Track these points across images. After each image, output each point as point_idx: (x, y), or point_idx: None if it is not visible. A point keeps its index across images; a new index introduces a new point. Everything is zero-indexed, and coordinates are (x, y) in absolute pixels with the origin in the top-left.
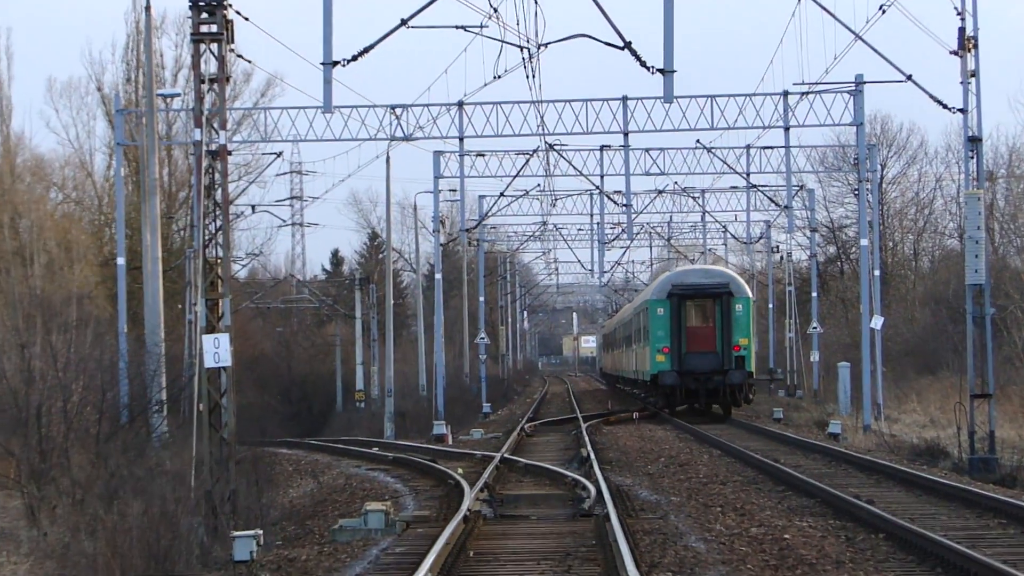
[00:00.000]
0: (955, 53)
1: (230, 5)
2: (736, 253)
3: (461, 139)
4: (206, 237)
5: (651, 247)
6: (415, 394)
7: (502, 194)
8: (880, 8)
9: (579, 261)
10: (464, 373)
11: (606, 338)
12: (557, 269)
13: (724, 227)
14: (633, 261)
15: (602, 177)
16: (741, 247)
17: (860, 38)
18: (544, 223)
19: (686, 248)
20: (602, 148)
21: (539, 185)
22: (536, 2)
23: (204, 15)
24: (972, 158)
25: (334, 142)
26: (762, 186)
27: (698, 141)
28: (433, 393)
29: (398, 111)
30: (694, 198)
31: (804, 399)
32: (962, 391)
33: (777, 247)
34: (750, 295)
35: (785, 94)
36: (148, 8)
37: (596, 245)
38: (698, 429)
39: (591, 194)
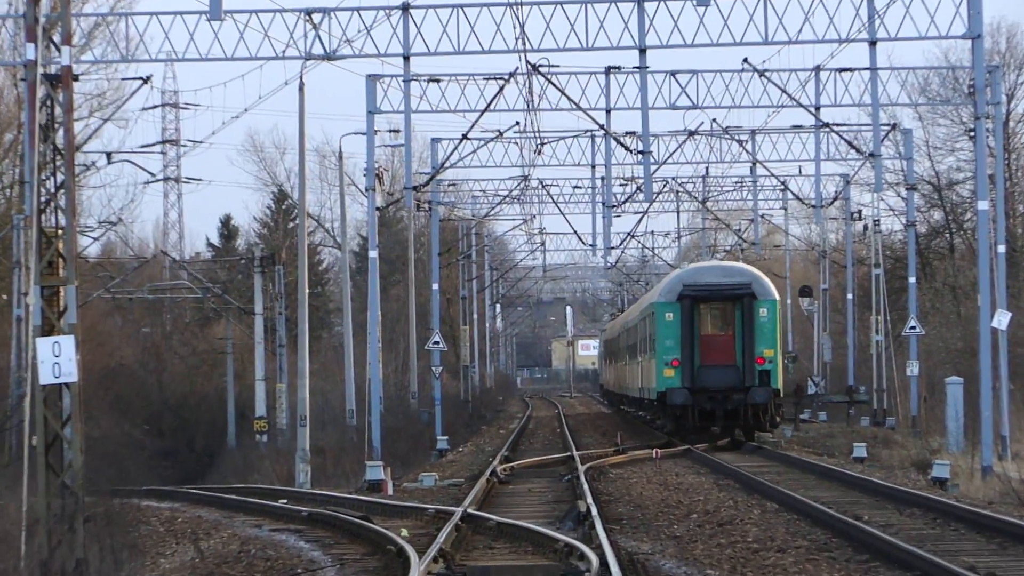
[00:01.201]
0: None
1: None
2: (800, 221)
3: (407, 58)
4: (42, 198)
5: (678, 212)
6: (340, 423)
7: (465, 136)
8: None
9: (575, 232)
10: (411, 393)
11: (607, 346)
12: (544, 244)
13: (783, 184)
14: (653, 232)
15: (608, 112)
16: (807, 212)
17: None
18: (526, 178)
19: (728, 214)
20: (609, 71)
21: (518, 124)
22: None
23: None
24: None
25: (225, 62)
26: (838, 125)
27: (746, 60)
28: (366, 422)
29: (316, 17)
30: (740, 142)
31: (898, 429)
32: None
33: (859, 213)
34: (776, 297)
35: None
36: None
37: (600, 210)
38: (745, 472)
39: (592, 136)
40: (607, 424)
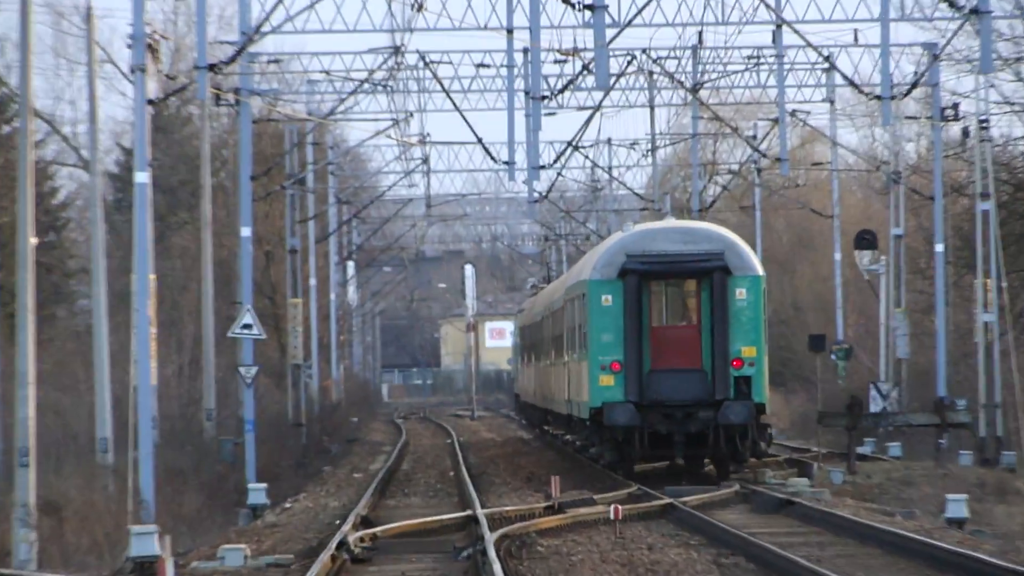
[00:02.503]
0: None
1: None
2: (856, 123)
3: None
4: None
5: (652, 108)
6: (88, 461)
7: None
8: None
9: (480, 143)
10: (205, 412)
11: (526, 335)
12: (428, 162)
13: (827, 60)
14: (610, 141)
15: None
16: (869, 108)
17: None
18: (398, 52)
19: (736, 110)
20: None
21: None
22: None
23: None
24: None
25: None
26: None
27: None
28: (130, 459)
29: None
30: None
31: (1021, 471)
32: None
33: (955, 108)
34: (760, 271)
35: None
36: None
37: (521, 104)
38: (764, 544)
39: None
40: (531, 459)
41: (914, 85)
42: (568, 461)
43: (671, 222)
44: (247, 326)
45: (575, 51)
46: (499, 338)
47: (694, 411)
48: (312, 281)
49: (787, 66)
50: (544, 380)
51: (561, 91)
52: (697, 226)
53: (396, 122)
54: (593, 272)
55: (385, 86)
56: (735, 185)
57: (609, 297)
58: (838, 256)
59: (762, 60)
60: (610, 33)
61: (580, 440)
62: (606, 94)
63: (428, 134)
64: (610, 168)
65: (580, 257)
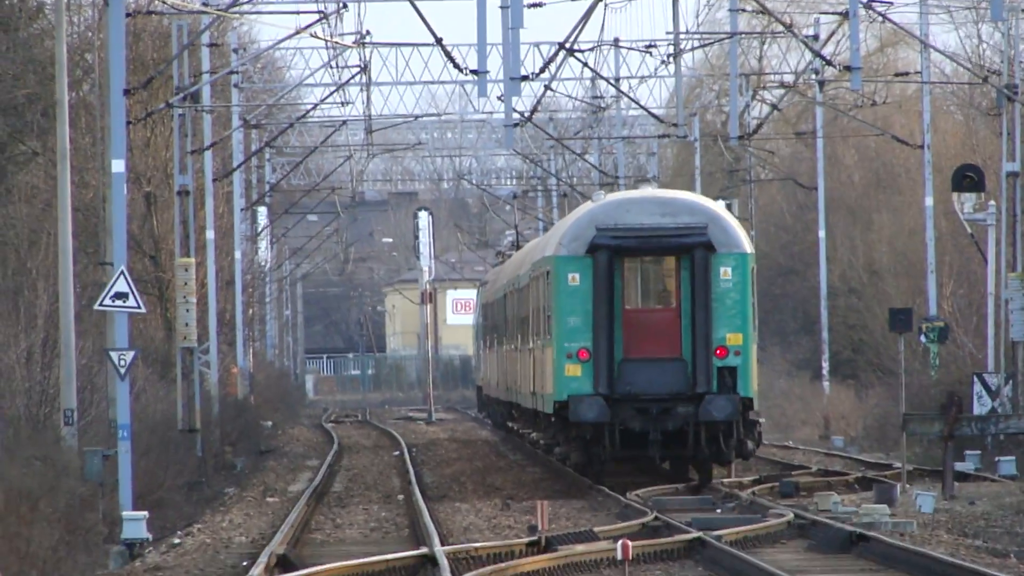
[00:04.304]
0: None
1: None
2: (957, 20)
3: None
4: None
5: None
6: None
7: None
8: None
9: (439, 45)
10: (64, 413)
11: (488, 314)
12: (367, 74)
13: None
14: (619, 43)
15: None
16: None
17: None
18: None
19: (788, 2)
20: None
21: None
22: None
23: None
24: None
25: None
26: None
27: None
28: None
29: None
30: None
31: None
32: None
33: None
34: (747, 248)
35: None
36: None
37: None
38: None
39: None
40: (509, 477)
41: None
42: (561, 480)
43: (648, 191)
44: (120, 295)
45: None
46: (465, 312)
47: (672, 406)
48: (210, 234)
49: None
50: (508, 369)
51: None
52: (678, 196)
53: (324, 16)
54: (559, 247)
55: None
56: (789, 104)
57: (576, 276)
58: (930, 202)
59: None
60: None
61: (545, 439)
62: None
63: (368, 32)
64: (617, 80)
65: (578, 204)
